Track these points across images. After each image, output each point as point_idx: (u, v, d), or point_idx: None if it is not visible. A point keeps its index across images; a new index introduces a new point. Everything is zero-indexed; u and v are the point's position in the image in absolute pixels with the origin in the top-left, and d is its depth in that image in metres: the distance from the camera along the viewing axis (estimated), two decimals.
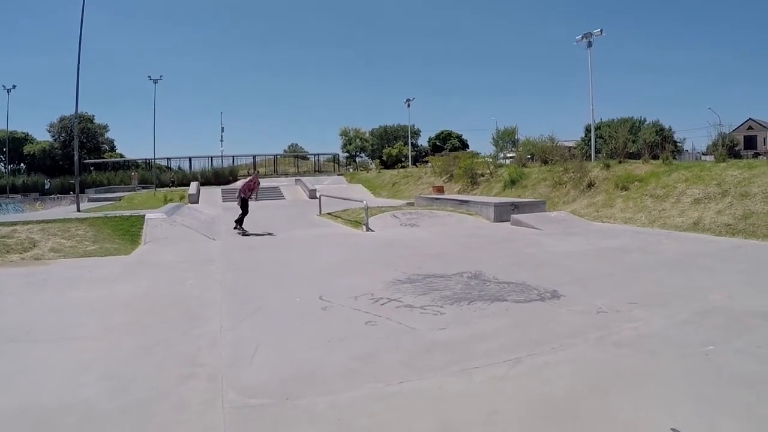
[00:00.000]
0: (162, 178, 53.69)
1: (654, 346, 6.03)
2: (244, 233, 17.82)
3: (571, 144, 50.52)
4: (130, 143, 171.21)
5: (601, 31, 35.24)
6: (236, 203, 19.91)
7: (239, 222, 18.41)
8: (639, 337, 6.36)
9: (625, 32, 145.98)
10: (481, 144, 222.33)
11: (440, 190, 31.66)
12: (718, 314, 7.19)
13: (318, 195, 27.61)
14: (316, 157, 67.16)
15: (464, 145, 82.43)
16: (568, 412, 4.45)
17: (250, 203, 19.16)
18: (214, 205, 32.01)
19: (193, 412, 4.55)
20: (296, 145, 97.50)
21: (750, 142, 75.74)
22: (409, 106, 70.11)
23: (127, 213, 19.19)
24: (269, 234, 17.87)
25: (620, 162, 24.25)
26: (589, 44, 35.76)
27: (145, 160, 62.22)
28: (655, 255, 12.08)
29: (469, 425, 4.25)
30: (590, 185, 22.91)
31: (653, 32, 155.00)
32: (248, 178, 20.17)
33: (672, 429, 4.05)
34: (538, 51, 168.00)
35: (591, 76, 35.68)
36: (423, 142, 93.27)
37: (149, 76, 54.55)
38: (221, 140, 74.68)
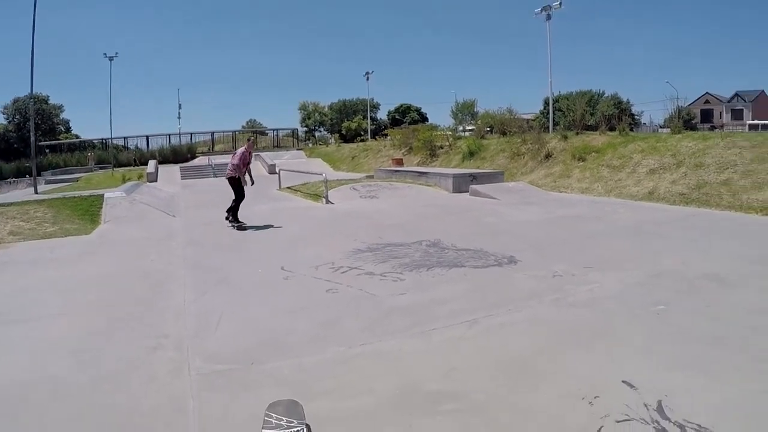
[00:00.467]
0: (119, 157, 52.83)
1: (608, 306, 6.31)
2: (241, 227, 13.21)
3: (530, 116, 50.83)
4: (86, 123, 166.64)
5: (560, 3, 35.26)
6: (228, 184, 13.84)
7: (233, 211, 13.55)
8: (594, 298, 6.62)
9: (586, 4, 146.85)
10: (440, 117, 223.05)
11: (399, 162, 31.82)
12: (671, 277, 7.50)
13: (277, 170, 27.48)
14: (275, 133, 66.72)
15: (424, 118, 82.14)
16: (524, 367, 4.69)
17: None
18: (173, 182, 31.73)
19: (161, 381, 4.67)
20: (254, 120, 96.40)
21: (706, 116, 77.48)
22: (368, 79, 69.60)
23: (85, 193, 18.82)
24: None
25: (577, 134, 24.76)
26: (548, 17, 35.82)
27: (102, 140, 61.09)
28: (611, 223, 12.47)
29: (429, 382, 4.44)
30: (548, 156, 23.33)
31: (614, 5, 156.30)
32: (241, 149, 13.98)
33: (623, 381, 4.29)
34: (498, 23, 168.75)
35: (550, 48, 35.90)
36: (382, 115, 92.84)
37: (105, 54, 53.64)
38: (179, 117, 72.96)
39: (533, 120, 45.22)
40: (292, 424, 3.39)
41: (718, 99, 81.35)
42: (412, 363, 4.86)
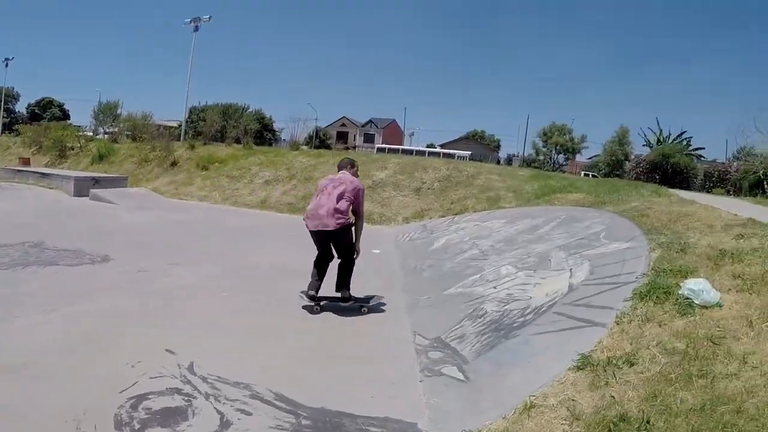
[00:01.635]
0: None
1: (179, 293, 7.57)
2: (370, 305, 7.56)
3: (175, 123, 50.75)
4: None
5: (210, 17, 36.48)
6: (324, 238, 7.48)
7: (346, 278, 7.60)
8: (168, 288, 7.80)
9: (249, 22, 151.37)
10: (85, 116, 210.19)
11: (26, 162, 29.76)
12: (249, 269, 9.25)
13: None
14: None
15: (66, 116, 76.96)
16: (92, 342, 5.57)
17: None
18: None
19: None
20: None
21: (342, 137, 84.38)
22: (7, 65, 63.11)
23: None
24: None
25: (205, 144, 26.25)
26: (196, 28, 36.78)
27: None
28: (218, 227, 14.00)
29: (5, 358, 5.01)
30: (174, 164, 24.13)
31: (270, 25, 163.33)
32: (351, 178, 7.59)
33: (166, 349, 5.43)
34: (158, 29, 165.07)
35: (192, 58, 37.11)
36: (22, 108, 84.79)
37: None
38: None
39: (177, 128, 45.35)
40: None
41: (353, 123, 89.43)
42: None
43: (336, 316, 7.05)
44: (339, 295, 7.53)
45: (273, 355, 5.53)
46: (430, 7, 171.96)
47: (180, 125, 52.35)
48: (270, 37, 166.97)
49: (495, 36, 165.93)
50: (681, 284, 5.23)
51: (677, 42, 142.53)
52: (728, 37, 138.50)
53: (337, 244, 7.48)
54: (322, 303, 7.38)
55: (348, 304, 7.46)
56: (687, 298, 4.97)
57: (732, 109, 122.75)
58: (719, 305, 4.80)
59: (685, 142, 48.26)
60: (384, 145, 66.69)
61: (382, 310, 7.43)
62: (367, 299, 7.65)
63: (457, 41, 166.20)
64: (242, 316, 6.75)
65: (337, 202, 7.15)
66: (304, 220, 7.47)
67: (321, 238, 7.40)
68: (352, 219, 7.43)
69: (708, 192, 23.89)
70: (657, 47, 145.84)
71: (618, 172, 42.92)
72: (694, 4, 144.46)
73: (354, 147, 75.47)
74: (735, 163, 26.79)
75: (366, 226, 15.03)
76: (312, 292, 7.32)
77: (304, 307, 7.24)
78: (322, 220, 7.13)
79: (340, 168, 7.89)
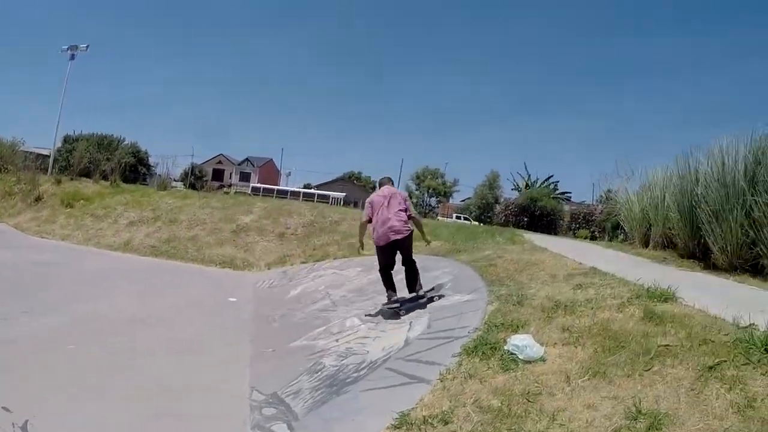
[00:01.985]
0: None
1: (24, 346, 7.24)
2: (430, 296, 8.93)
3: (47, 153, 48.28)
4: None
5: (87, 47, 35.52)
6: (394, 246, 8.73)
7: (416, 280, 8.96)
8: (13, 339, 7.43)
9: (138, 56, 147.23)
10: None
11: None
12: (101, 319, 8.94)
13: None
14: None
15: None
16: None
17: None
18: None
19: None
20: None
21: (218, 175, 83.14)
22: None
23: None
24: None
25: (72, 179, 25.15)
26: (73, 57, 35.63)
27: None
28: (75, 270, 13.44)
29: None
30: (38, 199, 22.85)
31: (149, 56, 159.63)
32: (398, 190, 9.67)
33: (2, 407, 5.20)
34: (38, 51, 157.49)
35: (66, 86, 35.71)
36: None
37: None
38: None
39: (48, 157, 43.17)
40: None
41: (230, 161, 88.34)
42: None
43: (176, 372, 6.96)
44: (415, 294, 8.78)
45: (107, 413, 5.45)
46: (311, 45, 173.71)
47: (50, 155, 50.03)
48: (151, 68, 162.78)
49: (374, 78, 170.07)
50: (507, 339, 5.50)
51: (546, 90, 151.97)
52: (597, 85, 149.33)
53: (404, 247, 8.63)
54: (404, 308, 8.49)
55: (424, 300, 8.62)
56: (512, 354, 5.23)
57: (602, 156, 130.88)
58: (543, 360, 5.08)
59: (552, 186, 50.22)
60: (259, 185, 66.32)
61: (223, 363, 7.48)
62: (429, 296, 8.80)
63: (340, 83, 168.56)
64: (84, 371, 6.56)
65: (400, 213, 8.60)
66: (365, 240, 9.49)
67: (393, 246, 8.60)
68: (409, 231, 8.65)
69: (574, 234, 25.32)
70: (526, 96, 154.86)
71: (489, 215, 44.51)
72: (565, 54, 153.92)
73: (230, 185, 74.48)
74: (599, 206, 28.44)
75: (228, 272, 15.44)
76: (396, 297, 8.62)
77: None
78: (396, 231, 8.45)
79: (381, 184, 9.49)
